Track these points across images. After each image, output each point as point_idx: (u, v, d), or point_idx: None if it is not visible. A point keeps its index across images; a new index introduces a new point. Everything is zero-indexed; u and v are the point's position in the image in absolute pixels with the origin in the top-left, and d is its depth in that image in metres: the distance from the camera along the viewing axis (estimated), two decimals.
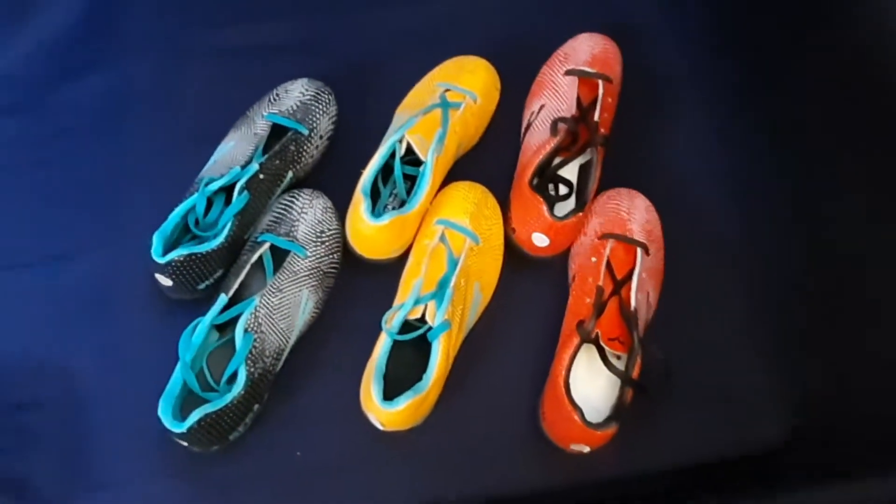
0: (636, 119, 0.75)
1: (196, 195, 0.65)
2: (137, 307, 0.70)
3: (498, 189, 0.72)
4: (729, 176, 0.74)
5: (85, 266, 0.72)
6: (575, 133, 0.68)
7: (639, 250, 0.66)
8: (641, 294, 0.65)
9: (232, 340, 0.64)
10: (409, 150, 0.68)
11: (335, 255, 0.69)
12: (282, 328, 0.63)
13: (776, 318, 0.69)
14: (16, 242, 0.74)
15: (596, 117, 0.68)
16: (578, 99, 0.71)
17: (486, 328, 0.68)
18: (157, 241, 0.63)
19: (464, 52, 0.77)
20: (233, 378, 0.61)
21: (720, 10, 0.78)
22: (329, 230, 0.68)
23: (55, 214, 0.75)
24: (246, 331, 0.60)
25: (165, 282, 0.64)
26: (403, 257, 0.69)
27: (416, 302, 0.61)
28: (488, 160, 0.75)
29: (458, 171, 0.73)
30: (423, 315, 0.62)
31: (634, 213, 0.69)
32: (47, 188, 0.76)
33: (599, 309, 0.62)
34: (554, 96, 0.72)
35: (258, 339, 0.61)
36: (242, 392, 0.60)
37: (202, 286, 0.66)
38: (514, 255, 0.71)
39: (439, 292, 0.62)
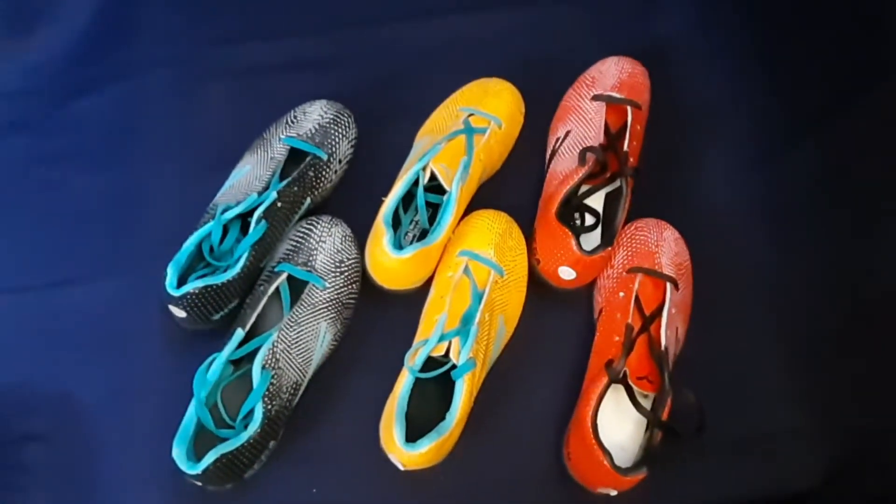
0: (664, 146, 0.73)
1: (212, 223, 0.63)
2: (148, 337, 0.68)
3: (522, 217, 0.70)
4: (761, 208, 0.72)
5: (93, 292, 0.70)
6: (603, 162, 0.66)
7: (668, 285, 0.64)
8: (671, 331, 0.62)
9: (247, 373, 0.62)
10: (432, 176, 0.66)
11: (354, 286, 0.66)
12: (299, 363, 0.61)
13: (812, 357, 0.67)
14: (20, 265, 0.72)
15: (625, 147, 0.66)
16: (606, 125, 0.69)
17: (509, 361, 0.66)
18: (171, 272, 0.60)
19: (487, 74, 0.75)
20: (249, 415, 0.59)
21: (757, 36, 0.75)
22: (348, 259, 0.66)
23: (62, 237, 0.73)
24: (264, 368, 0.58)
25: (179, 313, 0.62)
26: (425, 286, 0.67)
27: (441, 339, 0.59)
28: (511, 186, 0.73)
29: (481, 197, 0.71)
30: (447, 351, 0.60)
31: (663, 245, 0.67)
32: (55, 209, 0.74)
33: (629, 348, 0.60)
34: (580, 122, 0.70)
35: (276, 376, 0.59)
36: (259, 430, 0.58)
37: (217, 317, 0.64)
38: (538, 286, 0.68)
39: (464, 329, 0.60)
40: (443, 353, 0.60)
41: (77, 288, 0.70)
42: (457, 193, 0.64)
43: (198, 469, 0.56)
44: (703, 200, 0.73)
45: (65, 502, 0.63)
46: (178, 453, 0.56)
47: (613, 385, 0.61)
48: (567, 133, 0.71)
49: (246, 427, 0.58)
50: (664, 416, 0.59)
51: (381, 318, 0.68)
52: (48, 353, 0.68)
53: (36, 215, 0.74)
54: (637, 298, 0.64)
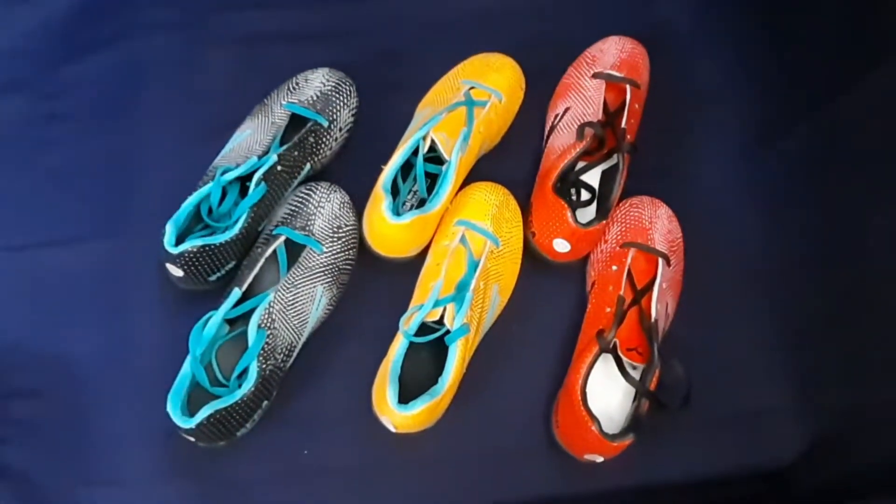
0: (662, 126, 0.74)
1: (211, 184, 0.63)
2: (145, 296, 0.68)
3: (518, 190, 0.71)
4: (755, 189, 0.73)
5: (89, 252, 0.70)
6: (601, 138, 0.67)
7: (660, 261, 0.65)
8: (661, 305, 0.64)
9: (242, 334, 0.62)
10: (432, 147, 0.66)
11: (351, 252, 0.67)
12: (294, 324, 0.62)
13: (798, 336, 0.68)
14: (15, 224, 0.72)
15: (623, 123, 0.67)
16: (605, 103, 0.70)
17: (501, 331, 0.67)
18: (170, 230, 0.61)
19: (489, 49, 0.75)
20: (243, 374, 0.60)
21: (755, 21, 0.76)
22: (346, 226, 0.67)
23: (60, 197, 0.72)
24: (259, 327, 0.59)
25: (176, 272, 0.62)
26: (420, 256, 0.68)
27: (436, 304, 0.60)
28: (510, 160, 0.74)
29: (479, 170, 0.72)
30: (441, 317, 0.61)
31: (657, 222, 0.68)
32: (51, 169, 0.74)
33: (620, 319, 0.61)
34: (580, 99, 0.71)
35: (271, 336, 0.59)
36: (253, 389, 0.58)
37: (213, 277, 0.65)
38: (533, 258, 0.69)
39: (459, 295, 0.61)
40: (437, 318, 0.60)
41: (73, 247, 0.70)
42: (456, 163, 0.64)
43: (191, 424, 0.56)
44: (697, 181, 0.74)
45: (55, 458, 0.63)
46: (173, 407, 0.56)
47: (603, 355, 0.62)
48: (566, 110, 0.72)
49: (240, 385, 0.59)
50: (652, 386, 0.60)
51: (376, 285, 0.69)
52: (42, 311, 0.68)
53: (32, 175, 0.73)
54: (629, 273, 0.65)
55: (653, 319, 0.62)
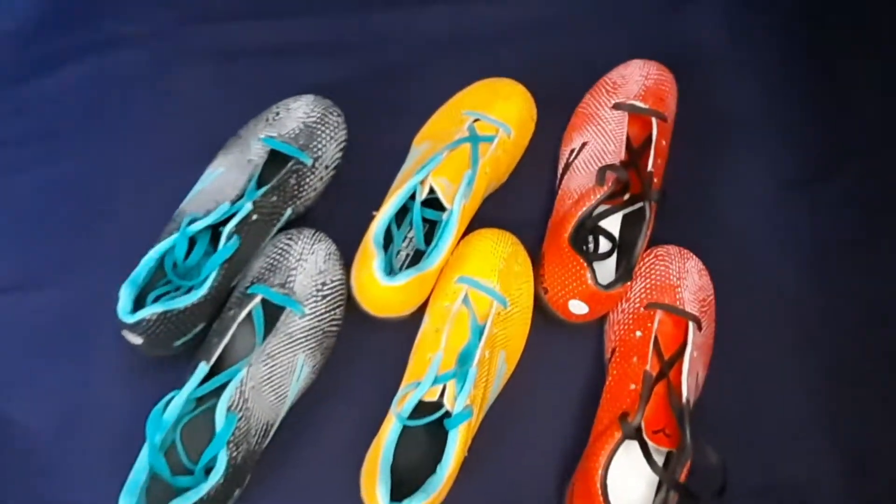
0: (689, 164, 0.65)
1: (175, 236, 0.55)
2: (103, 356, 0.60)
3: (528, 235, 0.62)
4: (795, 238, 0.65)
5: (44, 301, 0.62)
6: (625, 183, 0.58)
7: (691, 324, 0.57)
8: (691, 377, 0.56)
9: (211, 409, 0.54)
10: (431, 189, 0.58)
11: (338, 311, 0.59)
12: (271, 402, 0.54)
13: (845, 404, 0.60)
14: None
15: (650, 166, 0.59)
16: (628, 139, 0.61)
17: (508, 402, 0.59)
18: (125, 295, 0.52)
19: (496, 73, 0.67)
20: (211, 460, 0.52)
21: (799, 45, 0.67)
22: (332, 281, 0.58)
23: (14, 236, 0.64)
24: (229, 410, 0.51)
25: (134, 340, 0.54)
26: (417, 312, 0.60)
27: (435, 381, 0.52)
28: (518, 200, 0.65)
29: (484, 211, 0.63)
30: (441, 394, 0.53)
31: (686, 278, 0.60)
32: (7, 203, 0.65)
33: (646, 399, 0.54)
34: (599, 133, 0.62)
35: (243, 419, 0.51)
36: (221, 481, 0.51)
37: (179, 343, 0.56)
38: (544, 315, 0.61)
39: (461, 370, 0.53)
40: (436, 397, 0.53)
41: (27, 294, 0.62)
42: (458, 212, 0.56)
43: None
44: (729, 226, 0.65)
45: None
46: None
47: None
48: (583, 145, 0.63)
49: (208, 474, 0.51)
50: (682, 477, 0.53)
51: (367, 346, 0.61)
52: None
53: None
54: (655, 338, 0.57)
55: (684, 398, 0.54)
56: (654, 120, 0.61)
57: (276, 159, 0.60)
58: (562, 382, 0.61)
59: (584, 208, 0.57)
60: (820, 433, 0.60)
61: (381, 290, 0.55)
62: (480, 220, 0.63)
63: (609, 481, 0.53)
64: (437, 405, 0.53)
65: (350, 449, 0.57)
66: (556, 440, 0.59)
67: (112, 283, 0.55)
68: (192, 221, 0.56)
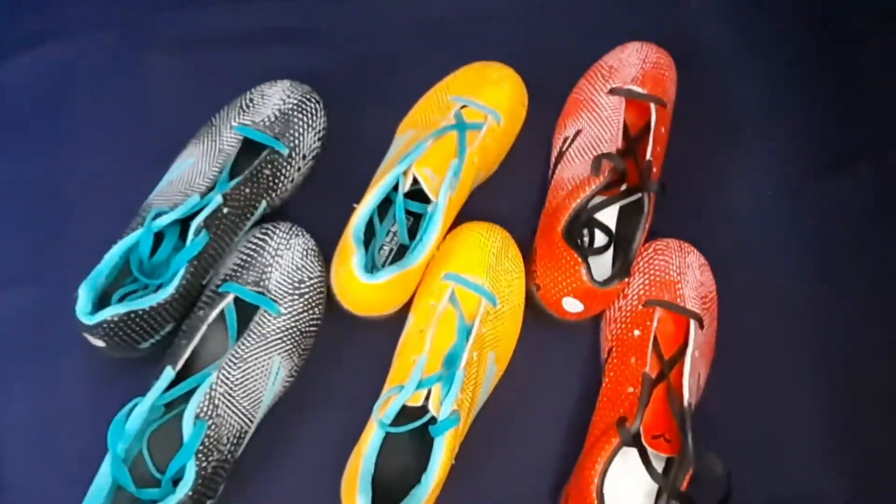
0: (689, 156, 0.61)
1: (140, 231, 0.51)
2: (64, 361, 0.56)
3: (519, 228, 0.59)
4: (799, 236, 0.61)
5: (1, 303, 0.58)
6: (622, 172, 0.55)
7: (692, 323, 0.53)
8: (693, 379, 0.52)
9: (181, 416, 0.51)
10: (415, 180, 0.54)
11: (316, 310, 0.55)
12: (244, 407, 0.50)
13: (854, 410, 0.57)
14: None
15: (648, 154, 0.55)
16: (625, 126, 0.58)
17: (498, 406, 0.55)
18: (83, 295, 0.48)
19: (484, 57, 0.63)
20: (180, 470, 0.48)
21: (806, 34, 0.64)
22: (310, 279, 0.55)
23: None
24: (198, 417, 0.47)
25: (96, 342, 0.50)
26: (401, 310, 0.56)
27: (419, 386, 0.49)
28: (508, 192, 0.62)
29: (472, 203, 0.59)
30: (426, 399, 0.49)
31: (687, 273, 0.56)
32: None
33: (646, 402, 0.50)
34: (594, 120, 0.59)
35: (213, 427, 0.48)
36: (191, 493, 0.47)
37: (146, 345, 0.53)
38: (535, 313, 0.58)
39: (448, 374, 0.49)
40: (420, 402, 0.49)
41: None
42: (444, 205, 0.52)
43: None
44: (730, 220, 0.62)
45: None
46: None
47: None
48: (577, 132, 0.59)
49: (176, 486, 0.48)
50: (683, 485, 0.49)
51: (347, 347, 0.57)
52: None
53: None
54: (654, 337, 0.54)
55: (685, 401, 0.50)
56: (652, 106, 0.57)
57: (250, 149, 0.57)
58: (555, 385, 0.57)
59: (579, 200, 0.54)
60: (827, 437, 0.57)
61: (361, 288, 0.51)
62: (468, 213, 0.59)
63: (605, 490, 0.50)
64: (422, 410, 0.50)
65: (330, 458, 0.53)
66: (548, 447, 0.56)
67: (77, 284, 0.52)
68: (158, 215, 0.52)
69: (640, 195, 0.57)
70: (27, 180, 0.62)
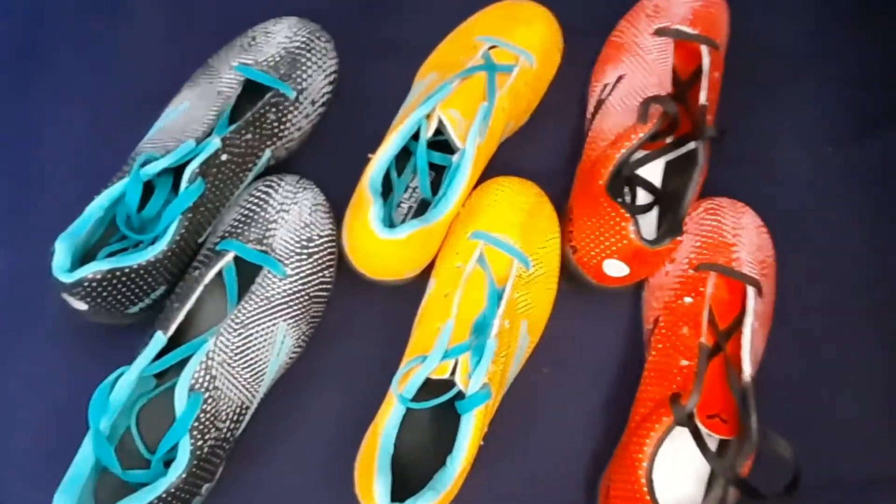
0: (739, 107, 0.55)
1: (127, 180, 0.45)
2: (40, 330, 0.50)
3: (550, 187, 0.53)
4: (862, 192, 0.55)
5: None
6: (673, 119, 0.48)
7: (750, 290, 0.47)
8: (752, 352, 0.46)
9: (173, 388, 0.45)
10: (438, 129, 0.48)
11: (326, 273, 0.49)
12: (246, 380, 0.44)
13: None
14: None
15: (703, 99, 0.49)
16: (673, 71, 0.52)
17: (530, 382, 0.50)
18: (60, 249, 0.42)
19: None
20: (172, 450, 0.42)
21: None
22: (319, 238, 0.49)
23: None
24: (192, 389, 0.41)
25: (77, 305, 0.44)
26: (421, 276, 0.50)
27: (445, 356, 0.43)
28: (538, 146, 0.56)
29: (498, 158, 0.53)
30: (453, 371, 0.43)
31: (742, 235, 0.50)
32: None
33: (703, 376, 0.44)
34: (639, 64, 0.52)
35: (210, 400, 0.42)
36: (184, 476, 0.41)
37: (134, 309, 0.47)
38: (570, 279, 0.52)
39: (477, 343, 0.43)
40: (446, 374, 0.43)
41: None
42: (472, 152, 0.46)
43: None
44: (785, 178, 0.56)
45: None
46: None
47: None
48: (619, 78, 0.53)
49: (167, 467, 0.42)
50: (744, 471, 0.44)
51: (361, 315, 0.51)
52: None
53: None
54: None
55: (746, 376, 0.44)
56: (704, 48, 0.51)
57: (252, 93, 0.50)
58: (592, 358, 0.51)
59: (624, 149, 0.48)
60: (891, 417, 0.51)
61: (378, 245, 0.45)
62: (494, 168, 0.53)
63: (653, 475, 0.44)
64: (448, 384, 0.44)
65: (342, 437, 0.48)
66: (585, 427, 0.50)
67: (49, 251, 0.46)
68: (147, 162, 0.46)
69: (686, 149, 0.51)
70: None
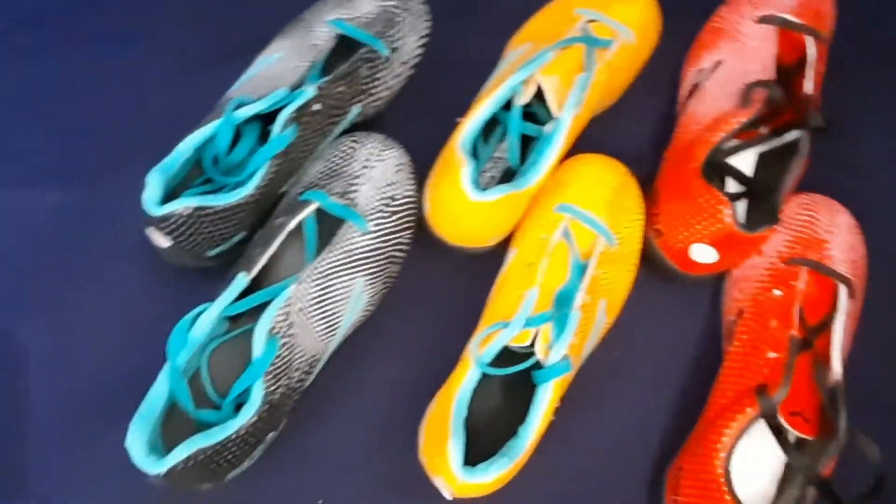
0: (839, 98, 0.53)
1: (219, 122, 0.45)
2: (116, 268, 0.50)
3: (635, 169, 0.51)
4: None
5: (53, 201, 0.52)
6: (778, 105, 0.47)
7: (841, 288, 0.46)
8: (842, 351, 0.45)
9: (246, 334, 0.45)
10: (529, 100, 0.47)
11: (406, 234, 0.49)
12: (321, 331, 0.44)
13: None
14: None
15: (808, 88, 0.47)
16: (778, 59, 0.50)
17: (598, 361, 0.48)
18: (153, 181, 0.42)
19: None
20: (243, 394, 0.42)
21: None
22: (402, 197, 0.48)
23: (22, 125, 0.55)
24: (271, 333, 0.41)
25: (161, 241, 0.44)
26: (498, 246, 0.50)
27: (528, 324, 0.42)
28: (624, 126, 0.54)
29: (585, 136, 0.52)
30: (532, 342, 0.42)
31: (836, 233, 0.48)
32: (16, 89, 0.55)
33: (792, 370, 0.43)
34: (739, 50, 0.51)
35: (286, 347, 0.41)
36: (255, 419, 0.41)
37: (213, 253, 0.47)
38: (649, 265, 0.50)
39: (559, 314, 0.42)
40: (527, 342, 0.42)
41: (31, 192, 0.53)
42: (568, 121, 0.45)
43: (161, 468, 0.39)
44: (878, 175, 0.54)
45: None
46: (136, 441, 0.39)
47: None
48: (717, 64, 0.52)
49: (237, 411, 0.41)
50: (827, 471, 0.42)
51: (432, 282, 0.51)
52: None
53: None
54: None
55: (835, 374, 0.43)
56: (809, 39, 0.50)
57: (344, 49, 0.50)
58: (666, 345, 0.50)
59: (723, 133, 0.46)
60: None
61: (467, 206, 0.44)
62: (581, 145, 0.52)
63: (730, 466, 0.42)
64: (520, 355, 0.43)
65: (403, 400, 0.47)
66: (655, 413, 0.48)
67: (133, 189, 0.46)
68: (238, 107, 0.46)
69: (785, 139, 0.49)
70: (86, 73, 0.56)
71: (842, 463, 0.43)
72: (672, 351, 0.50)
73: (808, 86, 0.47)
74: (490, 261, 0.50)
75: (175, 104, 0.53)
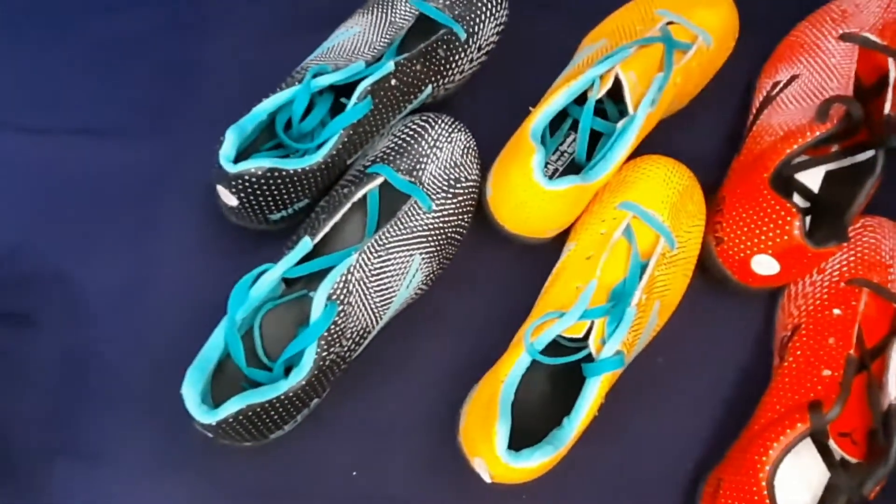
0: None
1: (297, 88, 0.45)
2: (181, 223, 0.51)
3: (700, 175, 0.51)
4: None
5: (124, 149, 0.53)
6: (856, 122, 0.46)
7: None
8: None
9: (300, 300, 0.45)
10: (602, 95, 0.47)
11: (465, 217, 0.49)
12: (375, 302, 0.44)
13: None
14: (44, 101, 0.55)
15: (888, 109, 0.47)
16: (856, 78, 0.49)
17: (646, 362, 0.48)
18: (230, 138, 0.43)
19: None
20: (294, 357, 0.43)
21: None
22: (466, 180, 0.48)
23: (103, 75, 0.56)
24: (330, 298, 0.41)
25: (229, 199, 0.45)
26: (556, 239, 0.50)
27: (584, 315, 0.42)
28: (693, 132, 0.54)
29: (651, 138, 0.51)
30: (585, 335, 0.42)
31: None
32: (98, 42, 0.56)
33: (849, 388, 0.42)
34: (817, 67, 0.50)
35: (342, 314, 0.42)
36: (304, 383, 0.41)
37: (276, 216, 0.47)
38: (705, 272, 0.50)
39: (616, 308, 0.42)
40: (581, 333, 0.42)
41: (105, 140, 0.54)
42: (643, 118, 0.45)
43: (213, 418, 0.39)
44: None
45: (32, 412, 0.47)
46: (191, 390, 0.39)
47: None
48: (793, 78, 0.51)
49: (287, 374, 0.42)
50: (872, 494, 0.41)
51: (486, 268, 0.51)
52: (50, 216, 0.52)
53: (73, 46, 0.56)
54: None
55: (892, 398, 0.42)
56: (891, 60, 0.49)
57: (422, 30, 0.50)
58: (715, 355, 0.50)
59: (797, 145, 0.46)
60: None
61: (534, 193, 0.44)
62: (647, 146, 0.52)
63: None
64: (567, 349, 0.43)
65: (448, 382, 0.47)
66: (698, 422, 0.48)
67: (205, 147, 0.47)
68: (316, 75, 0.46)
69: (857, 158, 0.49)
70: (159, 28, 0.57)
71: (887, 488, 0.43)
72: (716, 362, 0.50)
73: (888, 107, 0.47)
74: (542, 254, 0.50)
75: (252, 70, 0.54)
